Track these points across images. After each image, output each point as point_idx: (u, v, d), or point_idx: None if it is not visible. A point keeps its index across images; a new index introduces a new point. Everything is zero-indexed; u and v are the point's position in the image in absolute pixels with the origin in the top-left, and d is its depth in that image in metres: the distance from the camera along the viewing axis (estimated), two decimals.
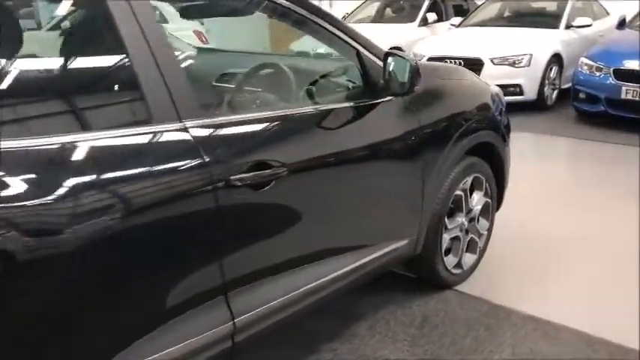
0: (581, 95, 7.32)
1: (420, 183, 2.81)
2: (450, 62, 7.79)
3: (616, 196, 4.76)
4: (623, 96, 6.82)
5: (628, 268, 3.50)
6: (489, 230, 3.50)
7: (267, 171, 2.05)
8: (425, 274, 3.19)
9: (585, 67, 7.29)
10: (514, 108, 8.12)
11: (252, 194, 2.01)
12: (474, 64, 7.73)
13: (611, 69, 6.93)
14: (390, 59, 2.52)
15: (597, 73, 7.10)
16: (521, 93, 7.90)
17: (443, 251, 3.13)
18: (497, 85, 7.77)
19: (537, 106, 8.10)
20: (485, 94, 3.38)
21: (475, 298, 3.20)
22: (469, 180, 3.20)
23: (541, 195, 4.82)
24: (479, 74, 7.73)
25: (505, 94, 7.85)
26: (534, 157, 6.31)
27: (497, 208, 3.65)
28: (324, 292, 2.45)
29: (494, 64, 7.83)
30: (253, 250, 2.11)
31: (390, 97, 2.63)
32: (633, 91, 6.74)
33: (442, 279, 3.20)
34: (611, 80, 6.91)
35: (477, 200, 3.32)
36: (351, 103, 2.59)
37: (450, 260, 3.23)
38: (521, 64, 7.82)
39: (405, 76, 2.49)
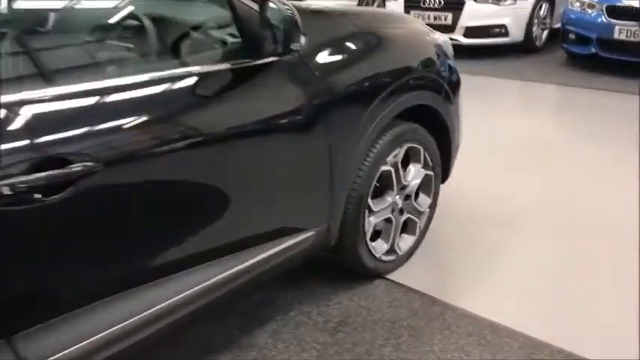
0: (571, 36, 6.66)
1: (325, 163, 2.27)
2: (426, 2, 7.10)
3: (611, 157, 4.22)
4: (616, 36, 6.16)
5: (610, 258, 2.99)
6: (432, 207, 2.98)
7: (61, 170, 1.51)
8: (348, 264, 2.70)
9: (577, 4, 6.59)
10: (499, 51, 7.53)
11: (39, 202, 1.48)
12: (455, 3, 7.03)
13: (604, 5, 6.23)
14: (267, 7, 1.94)
15: (589, 11, 6.40)
16: (506, 34, 7.23)
17: (368, 237, 2.62)
18: (479, 27, 7.25)
19: (525, 48, 7.43)
20: (424, 46, 2.80)
21: (407, 290, 2.71)
22: (401, 151, 2.66)
23: (517, 156, 4.27)
24: (459, 15, 7.12)
25: (489, 36, 7.35)
26: (516, 109, 5.72)
27: (444, 180, 3.12)
28: (191, 307, 1.95)
29: (476, 1, 7.11)
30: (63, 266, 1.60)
31: (276, 57, 2.07)
32: (627, 30, 6.06)
33: (369, 268, 2.71)
34: (604, 18, 6.22)
35: (414, 174, 2.79)
36: (224, 66, 2.02)
37: (379, 246, 2.73)
38: (507, 2, 7.11)
39: (280, 31, 1.92)
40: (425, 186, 2.92)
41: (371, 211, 2.60)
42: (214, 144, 1.89)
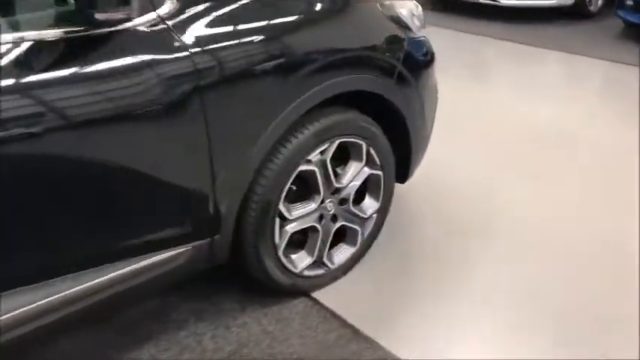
0: (629, 2, 5.76)
1: (203, 162, 1.78)
2: None
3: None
4: None
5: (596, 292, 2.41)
6: (381, 212, 2.45)
7: None
8: (259, 280, 2.23)
9: None
10: (544, 16, 6.66)
11: None
12: None
13: None
14: None
15: None
16: None
17: (280, 249, 2.14)
18: None
19: (576, 13, 6.54)
20: (365, 16, 2.23)
21: (328, 316, 2.22)
22: (332, 147, 2.14)
23: (527, 152, 3.61)
24: None
25: None
26: (550, 87, 4.96)
27: (404, 180, 2.58)
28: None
29: None
30: None
31: (129, 24, 1.59)
32: None
33: (283, 285, 2.23)
34: None
35: (353, 174, 2.27)
36: (56, 33, 1.55)
37: (300, 259, 2.25)
38: None
39: None
40: (372, 188, 2.40)
41: (285, 219, 2.11)
42: (46, 137, 1.46)
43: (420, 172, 2.68)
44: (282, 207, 2.07)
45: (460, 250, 2.62)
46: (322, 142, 2.10)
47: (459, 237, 2.70)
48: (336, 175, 2.26)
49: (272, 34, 1.89)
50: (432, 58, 2.52)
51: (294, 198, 2.17)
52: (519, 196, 3.04)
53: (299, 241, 2.25)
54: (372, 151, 2.29)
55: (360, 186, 2.34)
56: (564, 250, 2.61)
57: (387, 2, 2.28)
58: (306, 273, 2.27)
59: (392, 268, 2.50)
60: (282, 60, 1.89)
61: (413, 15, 2.39)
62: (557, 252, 2.60)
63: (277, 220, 2.08)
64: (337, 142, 2.15)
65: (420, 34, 2.43)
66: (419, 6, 2.50)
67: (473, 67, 5.47)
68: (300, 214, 2.15)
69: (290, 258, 2.21)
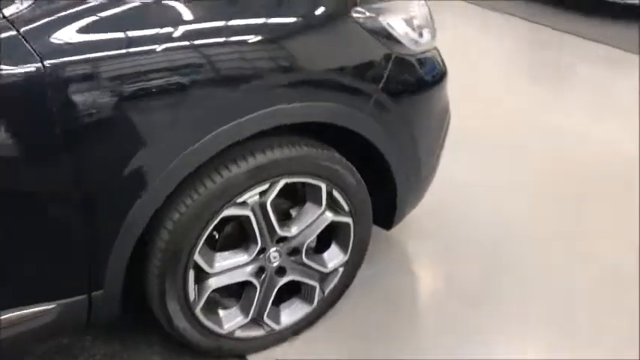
0: None
1: (70, 198, 1.39)
2: None
3: None
4: None
5: None
6: (350, 266, 1.97)
7: None
8: (176, 338, 1.82)
9: None
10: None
11: None
12: None
13: None
14: None
15: None
16: None
17: (198, 307, 1.72)
18: None
19: None
20: (339, 26, 1.70)
21: None
22: (275, 188, 1.68)
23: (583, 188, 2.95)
24: None
25: None
26: (610, 105, 4.13)
27: (389, 227, 2.07)
28: None
29: None
30: None
31: None
32: None
33: (205, 347, 1.81)
34: None
35: (308, 221, 1.80)
36: None
37: (229, 317, 1.82)
38: None
39: None
40: (339, 235, 1.92)
41: (203, 272, 1.69)
42: None
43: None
44: (198, 258, 1.64)
45: (457, 317, 2.10)
46: (260, 182, 1.64)
47: (456, 301, 2.17)
48: (288, 217, 1.82)
49: (176, 43, 1.44)
50: (439, 78, 1.98)
51: (227, 244, 1.75)
52: (542, 257, 2.44)
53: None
54: (338, 195, 1.80)
55: (326, 231, 1.87)
56: None
57: (375, 7, 1.74)
58: (239, 334, 1.84)
59: (363, 330, 2.03)
60: (188, 78, 1.44)
61: (415, 25, 1.85)
62: None
63: (192, 273, 1.66)
64: (283, 182, 1.69)
65: (423, 48, 1.89)
66: (425, 9, 1.94)
67: (551, 69, 4.72)
68: (226, 267, 1.72)
69: (216, 316, 1.79)
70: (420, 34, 1.89)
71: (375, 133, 1.77)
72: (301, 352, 1.93)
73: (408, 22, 1.81)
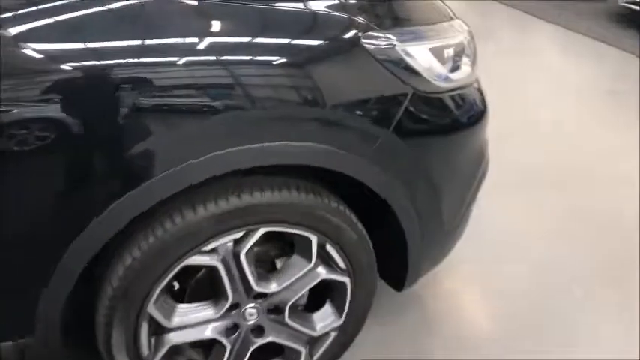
0: None
1: None
2: None
3: None
4: None
5: None
6: (347, 330, 1.67)
7: None
8: None
9: None
10: None
11: None
12: None
13: None
14: None
15: None
16: None
17: None
18: None
19: None
20: (343, 55, 1.40)
21: None
22: (251, 237, 1.41)
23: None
24: None
25: None
26: None
27: (400, 288, 1.76)
28: None
29: None
30: None
31: None
32: None
33: None
34: None
35: (293, 276, 1.52)
36: None
37: None
38: None
39: None
40: (334, 295, 1.64)
41: (162, 327, 1.45)
42: None
43: None
44: (153, 309, 1.40)
45: None
46: (231, 230, 1.38)
47: None
48: (273, 269, 1.55)
49: (130, 56, 1.20)
50: (475, 119, 1.65)
51: (198, 294, 1.51)
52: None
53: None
54: (332, 249, 1.52)
55: (320, 285, 1.59)
56: None
57: (396, 33, 1.44)
58: None
59: None
60: (141, 101, 1.19)
61: (447, 56, 1.53)
62: None
63: (145, 325, 1.42)
64: (262, 231, 1.42)
65: (455, 84, 1.57)
66: (465, 35, 1.62)
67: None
68: (188, 322, 1.47)
69: None
70: (455, 67, 1.57)
71: (378, 182, 1.47)
72: None
73: (437, 52, 1.50)
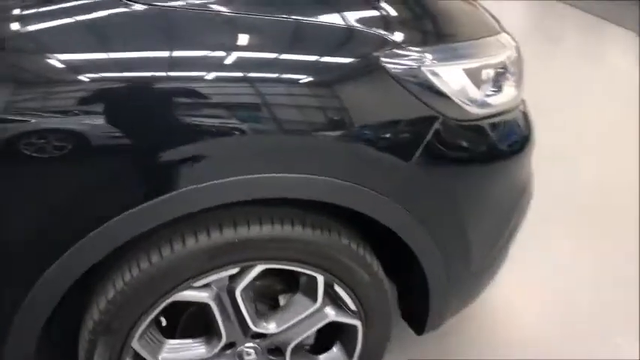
0: None
1: None
2: None
3: None
4: None
5: None
6: None
7: None
8: None
9: None
10: None
11: None
12: None
13: None
14: None
15: None
16: None
17: None
18: None
19: None
20: (361, 78, 1.20)
21: None
22: (248, 274, 1.26)
23: None
24: None
25: None
26: None
27: (420, 331, 1.58)
28: None
29: None
30: None
31: None
32: None
33: None
34: None
35: (296, 317, 1.36)
36: None
37: None
38: None
39: None
40: (343, 338, 1.47)
41: None
42: None
43: None
44: (137, 345, 1.28)
45: None
46: (225, 266, 1.24)
47: None
48: (276, 305, 1.41)
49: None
50: (516, 148, 1.45)
51: (190, 330, 1.37)
52: None
53: None
54: (341, 290, 1.35)
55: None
56: None
57: (425, 50, 1.25)
58: None
59: None
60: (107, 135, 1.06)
61: (487, 77, 1.33)
62: None
63: None
64: (260, 268, 1.27)
65: (493, 110, 1.37)
66: (512, 52, 1.42)
67: None
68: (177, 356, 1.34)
69: None
70: (496, 89, 1.37)
71: (395, 219, 1.29)
72: None
73: (473, 73, 1.30)
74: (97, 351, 1.26)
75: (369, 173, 1.23)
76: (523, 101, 1.54)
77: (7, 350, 1.20)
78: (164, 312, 1.29)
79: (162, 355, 1.32)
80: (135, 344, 1.27)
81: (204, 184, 1.11)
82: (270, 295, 1.42)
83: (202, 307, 1.31)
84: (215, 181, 1.11)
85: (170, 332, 1.38)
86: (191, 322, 1.38)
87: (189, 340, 1.36)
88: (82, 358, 1.29)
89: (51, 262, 1.11)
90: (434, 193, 1.32)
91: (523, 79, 1.50)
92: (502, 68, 1.39)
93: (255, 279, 1.34)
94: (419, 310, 1.53)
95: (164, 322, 1.33)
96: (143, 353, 1.29)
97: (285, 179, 1.16)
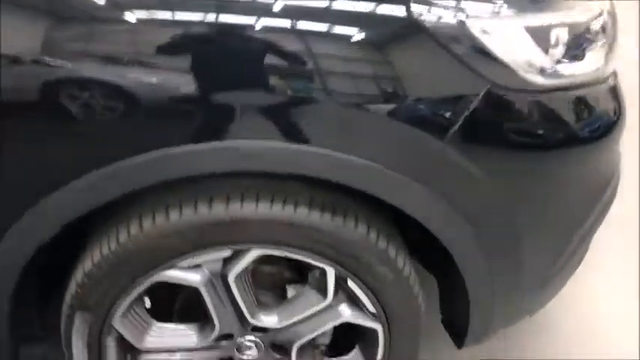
0: None
1: None
2: None
3: None
4: None
5: None
6: None
7: None
8: None
9: None
10: None
11: None
12: None
13: None
14: None
15: None
16: None
17: None
18: None
19: None
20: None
21: None
22: (242, 259, 1.07)
23: None
24: None
25: None
26: None
27: (460, 344, 1.32)
28: None
29: None
30: None
31: None
32: None
33: None
34: None
35: (301, 312, 1.17)
36: None
37: None
38: None
39: None
40: (364, 341, 1.26)
41: (135, 349, 1.18)
42: None
43: None
44: (119, 324, 1.14)
45: None
46: (213, 247, 1.06)
47: None
48: (283, 296, 1.22)
49: None
50: (600, 132, 1.15)
51: (186, 313, 1.22)
52: None
53: None
54: (356, 287, 1.13)
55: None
56: None
57: (467, 10, 0.97)
58: None
59: None
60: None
61: (562, 40, 1.04)
62: None
63: (111, 342, 1.16)
64: (255, 253, 1.08)
65: (567, 81, 1.07)
66: (600, 11, 1.11)
67: None
68: (165, 346, 1.18)
69: None
70: (571, 56, 1.07)
71: (424, 209, 1.05)
72: None
73: (538, 32, 1.01)
74: (75, 327, 1.13)
75: (395, 153, 0.99)
76: (614, 74, 1.23)
77: None
78: (155, 293, 1.14)
79: (149, 337, 1.17)
80: (116, 323, 1.13)
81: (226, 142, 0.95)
82: (277, 284, 1.23)
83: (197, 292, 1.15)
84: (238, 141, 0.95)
85: (168, 316, 1.24)
86: (186, 307, 1.23)
87: (181, 326, 1.20)
88: (62, 336, 1.17)
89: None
90: (476, 181, 1.05)
91: (616, 47, 1.19)
92: (584, 30, 1.09)
93: (262, 265, 1.17)
94: (460, 318, 1.29)
95: (148, 304, 1.17)
96: (126, 334, 1.15)
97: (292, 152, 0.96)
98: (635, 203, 1.91)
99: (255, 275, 1.18)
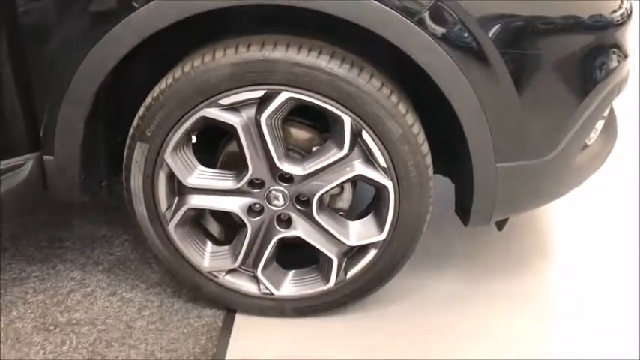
0: None
1: None
2: None
3: None
4: None
5: None
6: (388, 251, 1.42)
7: None
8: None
9: None
10: None
11: None
12: None
13: None
14: None
15: None
16: None
17: (171, 225, 1.42)
18: None
19: None
20: None
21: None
22: (273, 101, 1.28)
23: None
24: None
25: None
26: None
27: (467, 221, 1.45)
28: None
29: None
30: None
31: None
32: None
33: (179, 279, 1.54)
34: None
35: (319, 162, 1.35)
36: None
37: (216, 256, 1.48)
38: None
39: None
40: (378, 203, 1.42)
41: (182, 186, 1.40)
42: None
43: None
44: (169, 159, 1.36)
45: None
46: (248, 85, 1.27)
47: None
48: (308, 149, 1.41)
49: None
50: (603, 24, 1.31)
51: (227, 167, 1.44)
52: None
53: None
54: (369, 140, 1.31)
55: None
56: None
57: None
58: (224, 279, 1.50)
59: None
60: None
61: None
62: None
63: (162, 176, 1.38)
64: (285, 96, 1.28)
65: None
66: None
67: None
68: (205, 186, 1.39)
69: (199, 245, 1.48)
70: None
71: (427, 54, 1.22)
72: (298, 347, 1.48)
73: None
74: (134, 157, 1.37)
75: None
76: None
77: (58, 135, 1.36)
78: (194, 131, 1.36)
79: (193, 177, 1.39)
80: (167, 158, 1.35)
81: None
82: (306, 148, 1.42)
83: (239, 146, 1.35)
84: None
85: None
86: (230, 161, 1.44)
87: (221, 171, 1.41)
88: (123, 169, 1.40)
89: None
90: (474, 33, 1.22)
91: None
92: None
93: (293, 128, 1.38)
94: (466, 202, 1.43)
95: (194, 140, 1.39)
96: (173, 167, 1.36)
97: None
98: (636, 203, 1.95)
99: (287, 138, 1.38)
